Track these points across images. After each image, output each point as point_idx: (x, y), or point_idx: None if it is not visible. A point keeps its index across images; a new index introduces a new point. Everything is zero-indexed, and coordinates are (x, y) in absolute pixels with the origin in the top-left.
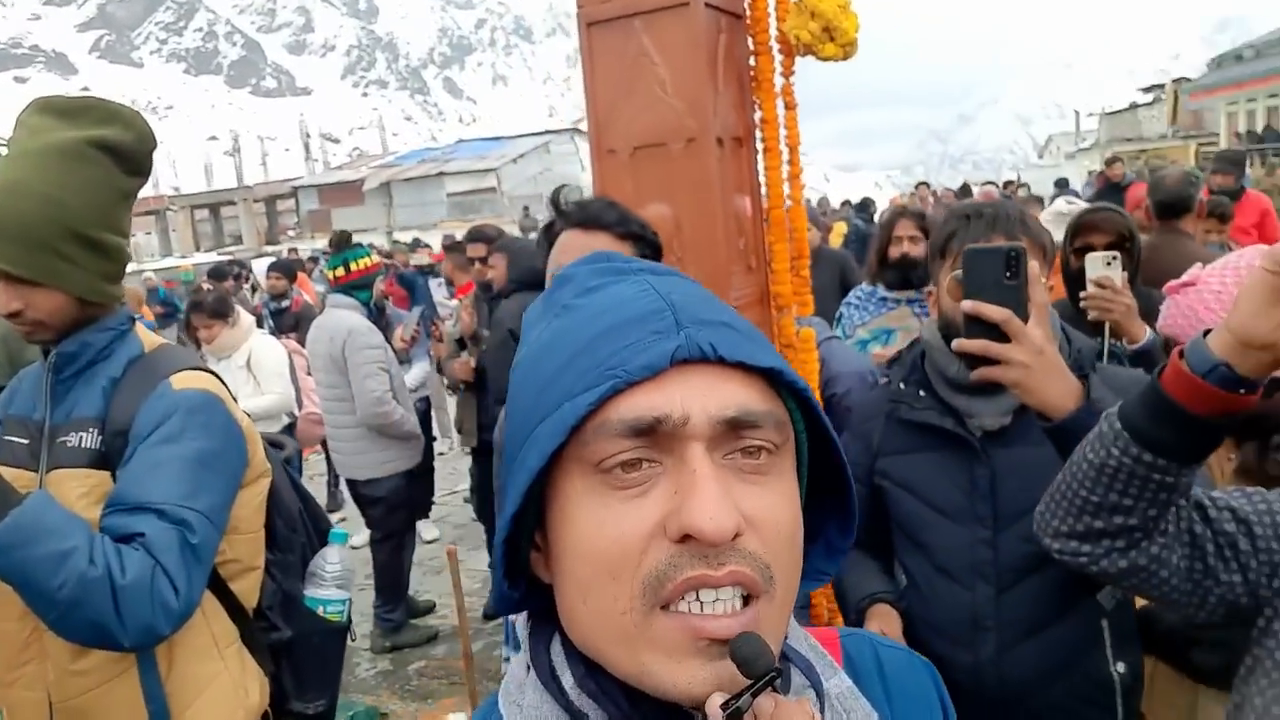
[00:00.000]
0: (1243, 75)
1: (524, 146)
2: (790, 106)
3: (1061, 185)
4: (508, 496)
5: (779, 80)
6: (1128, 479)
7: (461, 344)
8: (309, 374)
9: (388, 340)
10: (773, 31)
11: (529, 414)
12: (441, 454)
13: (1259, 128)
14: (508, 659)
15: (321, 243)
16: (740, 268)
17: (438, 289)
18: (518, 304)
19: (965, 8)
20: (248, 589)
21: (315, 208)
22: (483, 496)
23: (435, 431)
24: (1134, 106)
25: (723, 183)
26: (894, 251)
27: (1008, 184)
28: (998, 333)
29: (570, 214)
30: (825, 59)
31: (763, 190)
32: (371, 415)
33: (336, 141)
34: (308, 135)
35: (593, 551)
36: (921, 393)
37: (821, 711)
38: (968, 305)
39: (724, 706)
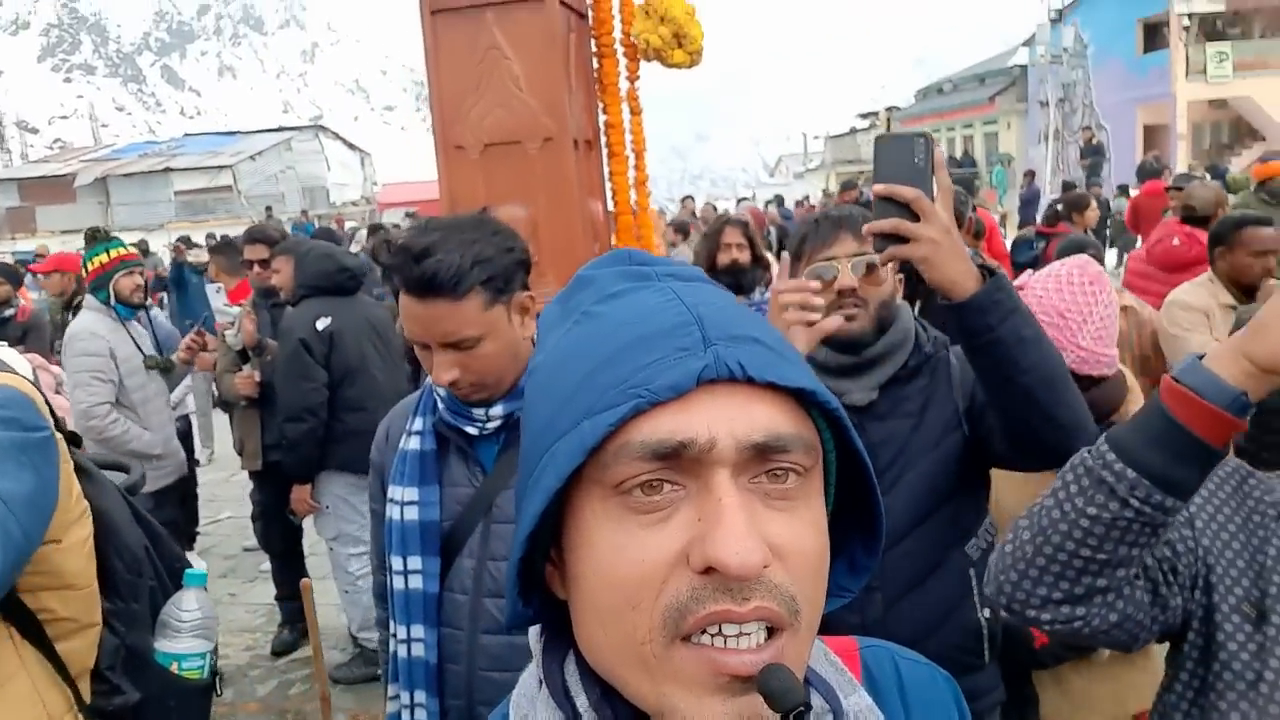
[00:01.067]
0: (942, 106)
1: (263, 143)
2: (635, 111)
3: (778, 202)
4: (523, 515)
5: (624, 84)
6: (1141, 528)
7: (244, 355)
8: (58, 391)
9: (144, 348)
10: (617, 35)
11: (546, 429)
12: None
13: (957, 154)
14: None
15: (25, 244)
16: None
17: (216, 294)
18: (309, 311)
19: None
20: (82, 649)
21: (16, 205)
22: (268, 522)
23: (198, 453)
24: (854, 131)
25: (579, 185)
26: (723, 259)
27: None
28: (908, 213)
29: (408, 279)
30: (673, 66)
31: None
32: (84, 429)
33: (35, 131)
34: (0, 124)
35: (612, 579)
36: None
37: None
38: (880, 188)
39: None
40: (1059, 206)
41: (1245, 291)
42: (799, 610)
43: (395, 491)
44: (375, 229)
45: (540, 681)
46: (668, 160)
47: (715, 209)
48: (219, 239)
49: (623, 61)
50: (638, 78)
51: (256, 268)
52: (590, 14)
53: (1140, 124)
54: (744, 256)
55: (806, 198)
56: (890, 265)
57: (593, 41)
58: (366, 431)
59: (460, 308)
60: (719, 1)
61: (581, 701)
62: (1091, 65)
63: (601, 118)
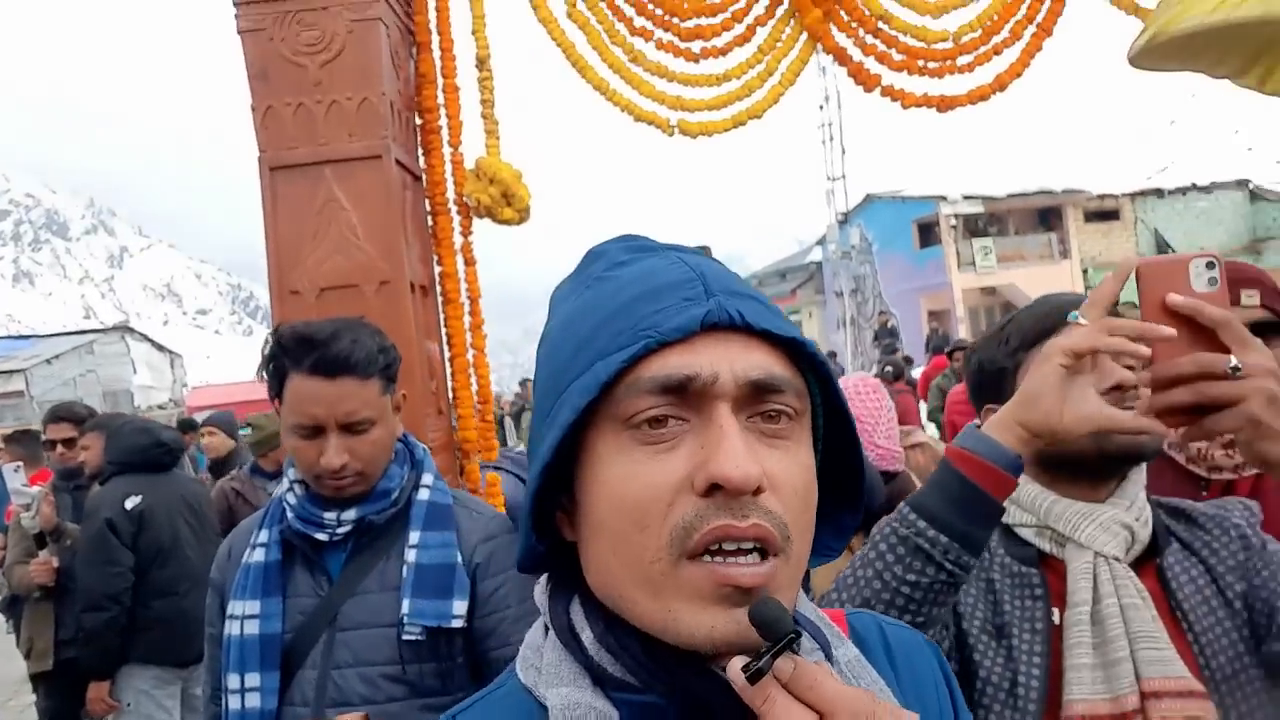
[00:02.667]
0: None
1: (61, 346)
2: (470, 263)
3: None
4: (540, 450)
5: (458, 239)
6: (948, 590)
7: (40, 541)
8: None
9: None
10: (450, 194)
11: (562, 374)
12: None
13: None
14: None
15: None
16: (432, 410)
17: (14, 473)
18: (118, 489)
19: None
20: None
21: None
22: None
23: None
24: None
25: (416, 326)
26: None
27: None
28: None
29: (318, 360)
30: (503, 222)
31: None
32: None
33: None
34: None
35: (623, 504)
36: None
37: None
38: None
39: (745, 669)
40: (888, 369)
41: None
42: (790, 538)
43: (235, 606)
44: (186, 426)
45: (546, 628)
46: (497, 354)
47: None
48: (12, 431)
49: (456, 218)
50: (470, 232)
51: (60, 448)
52: (424, 175)
53: (924, 310)
54: None
55: None
56: None
57: (427, 201)
58: (175, 620)
59: (365, 388)
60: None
61: (587, 636)
62: (877, 260)
63: (437, 269)
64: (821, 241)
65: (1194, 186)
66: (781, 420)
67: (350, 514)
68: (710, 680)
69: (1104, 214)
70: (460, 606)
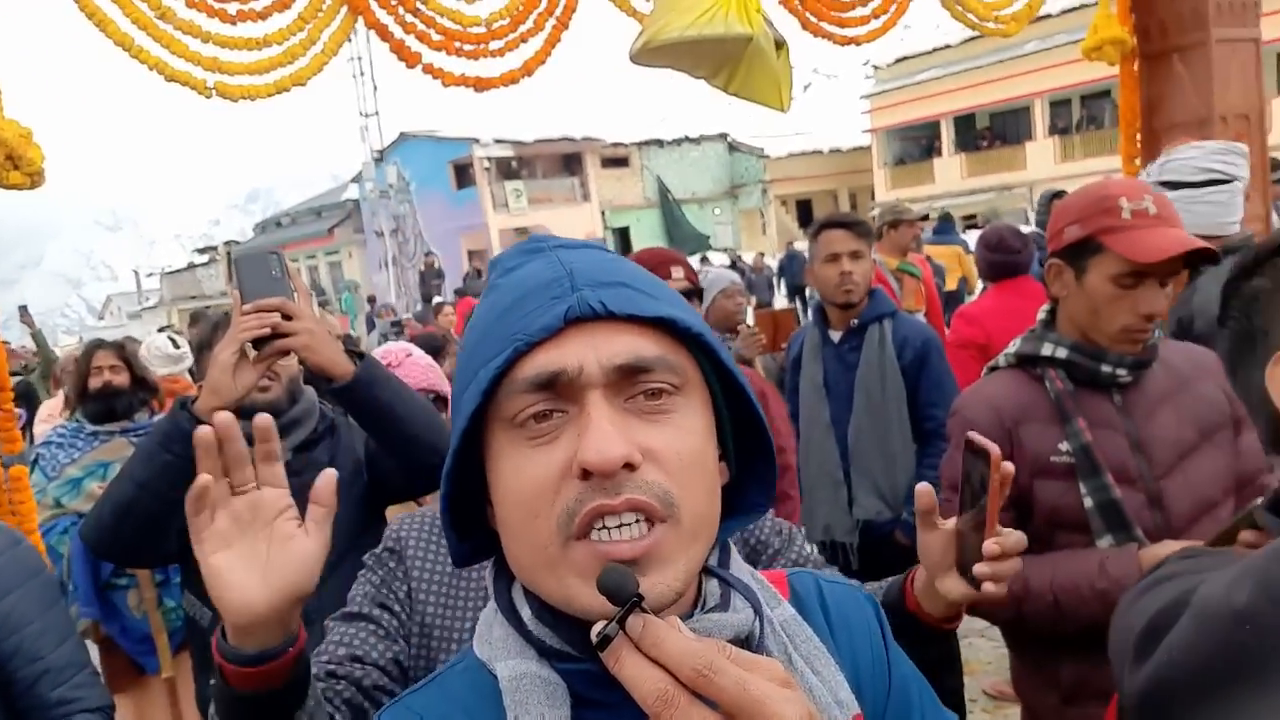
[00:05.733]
0: (283, 239)
1: None
2: None
3: None
4: (447, 457)
5: None
6: None
7: None
8: None
9: None
10: None
11: (460, 384)
12: None
13: (322, 282)
14: None
15: None
16: None
17: None
18: None
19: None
20: None
21: None
22: None
23: None
24: (192, 266)
25: None
26: (94, 382)
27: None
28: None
29: None
30: (11, 187)
31: None
32: None
33: None
34: None
35: (517, 496)
36: None
37: (762, 634)
38: (249, 307)
39: (598, 634)
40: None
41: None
42: (675, 504)
43: None
44: None
45: (496, 608)
46: None
47: None
48: None
49: None
50: None
51: None
52: None
53: (464, 249)
54: (119, 379)
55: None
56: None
57: None
58: None
59: None
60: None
61: (526, 613)
62: (416, 199)
63: None
64: (358, 179)
65: (686, 138)
66: (661, 396)
67: None
68: None
69: (617, 160)
70: None
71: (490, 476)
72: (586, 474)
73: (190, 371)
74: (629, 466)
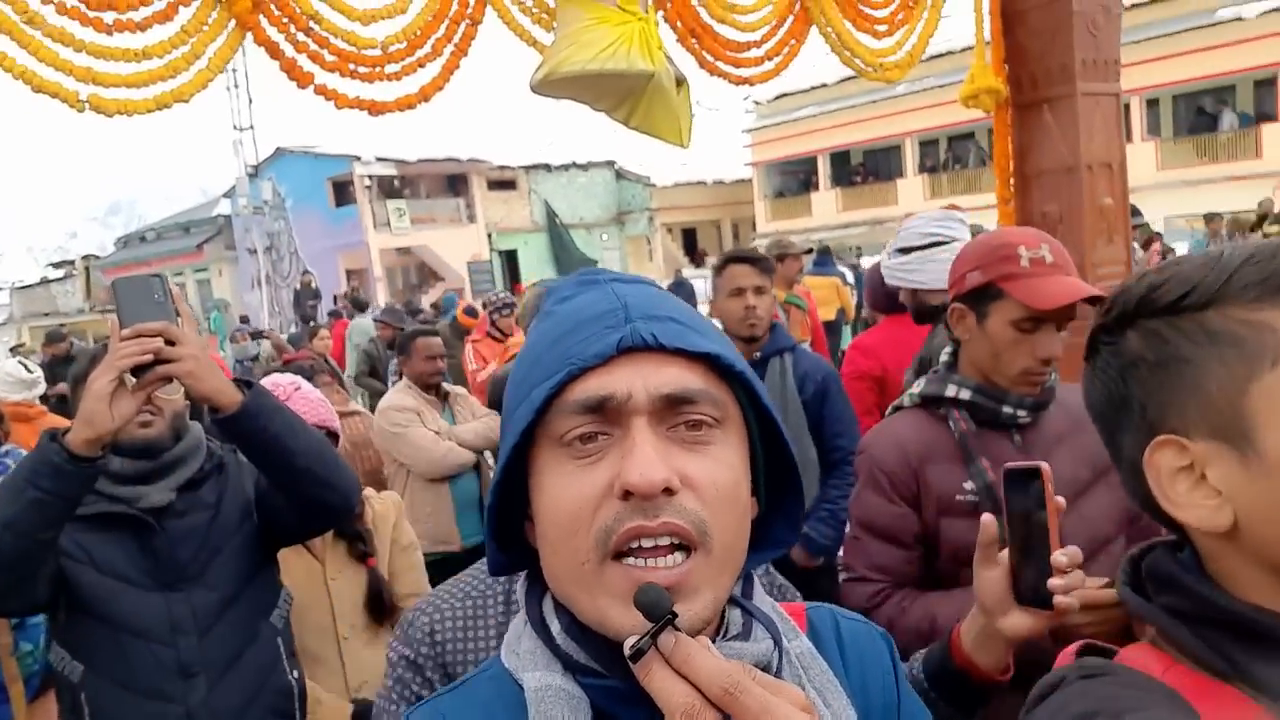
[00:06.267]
0: (147, 254)
1: None
2: None
3: None
4: (495, 471)
5: None
6: None
7: None
8: None
9: None
10: None
11: (512, 403)
12: None
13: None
14: None
15: None
16: None
17: None
18: None
19: None
20: None
21: None
22: None
23: None
24: (46, 282)
25: None
26: None
27: None
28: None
29: None
30: None
31: None
32: None
33: None
34: None
35: (558, 512)
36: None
37: (780, 665)
38: (128, 332)
39: (631, 647)
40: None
41: (428, 389)
42: (709, 533)
43: None
44: None
45: (525, 621)
46: None
47: None
48: None
49: None
50: None
51: None
52: None
53: (342, 268)
54: None
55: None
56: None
57: None
58: None
59: None
60: None
61: (555, 627)
62: (292, 216)
63: None
64: (230, 194)
65: (574, 164)
66: (702, 428)
67: None
68: None
69: (504, 183)
70: None
71: (533, 492)
72: (627, 495)
73: (43, 398)
74: (668, 491)
